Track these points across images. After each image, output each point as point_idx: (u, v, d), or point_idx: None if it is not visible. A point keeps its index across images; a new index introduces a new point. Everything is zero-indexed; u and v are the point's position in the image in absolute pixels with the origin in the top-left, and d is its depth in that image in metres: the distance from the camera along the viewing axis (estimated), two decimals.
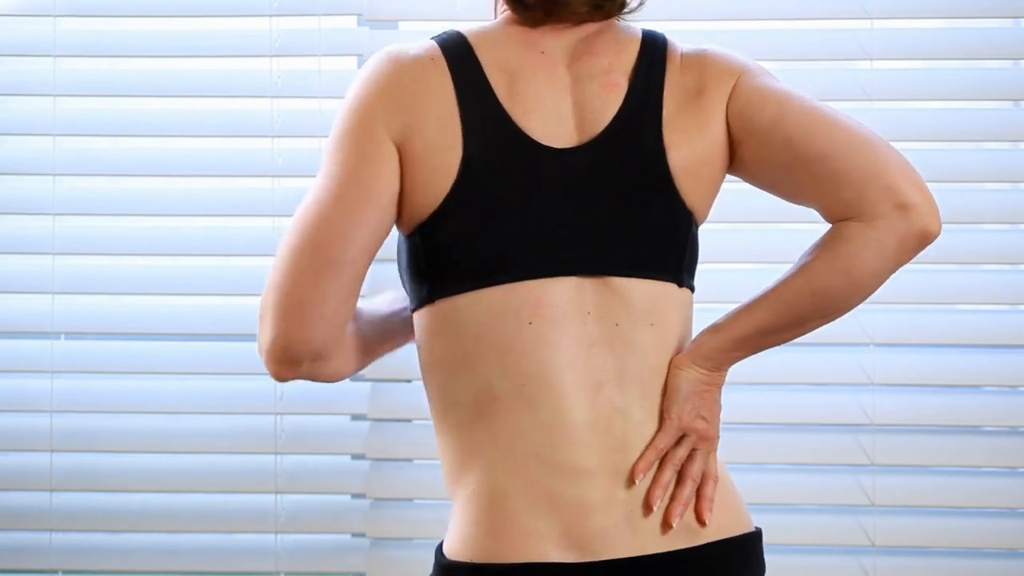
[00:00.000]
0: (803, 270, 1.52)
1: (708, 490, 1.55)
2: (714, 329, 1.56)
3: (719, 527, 1.55)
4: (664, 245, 1.54)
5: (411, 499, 2.40)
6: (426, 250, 1.53)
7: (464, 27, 1.59)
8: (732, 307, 2.40)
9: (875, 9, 2.34)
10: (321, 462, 2.42)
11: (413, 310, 1.57)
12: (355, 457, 2.42)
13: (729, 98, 1.57)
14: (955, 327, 2.36)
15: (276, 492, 2.40)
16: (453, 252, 1.52)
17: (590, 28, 1.59)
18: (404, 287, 1.61)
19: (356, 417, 2.42)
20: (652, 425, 1.53)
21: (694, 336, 1.59)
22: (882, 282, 1.52)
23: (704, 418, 1.55)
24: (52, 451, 2.41)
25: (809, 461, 2.37)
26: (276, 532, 2.40)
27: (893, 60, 2.37)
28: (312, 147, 2.39)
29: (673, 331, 1.55)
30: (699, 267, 2.31)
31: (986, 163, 2.36)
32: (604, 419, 1.51)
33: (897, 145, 2.33)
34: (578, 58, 1.56)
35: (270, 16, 2.39)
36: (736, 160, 1.58)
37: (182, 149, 2.43)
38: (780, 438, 2.37)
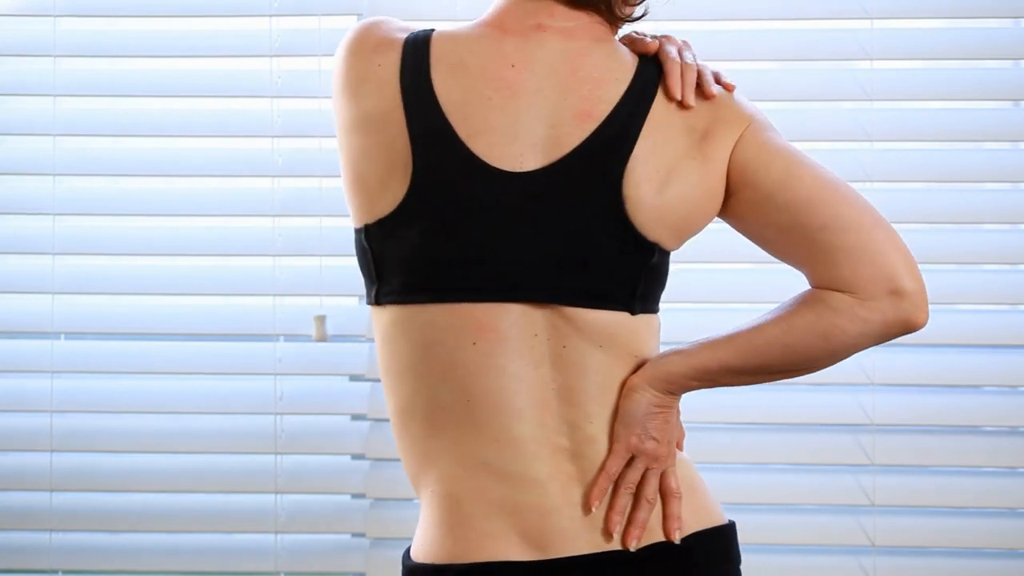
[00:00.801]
0: (782, 321, 1.51)
1: (674, 509, 1.53)
2: (679, 353, 1.53)
3: (686, 523, 1.54)
4: (613, 277, 1.50)
5: (411, 499, 2.40)
6: (372, 253, 1.51)
7: (440, 29, 1.55)
8: (723, 306, 2.45)
9: (875, 9, 2.34)
10: (321, 462, 2.42)
11: (367, 303, 1.57)
12: (355, 457, 2.42)
13: (735, 145, 1.53)
14: (955, 327, 2.36)
15: (276, 492, 2.40)
16: (396, 265, 1.50)
17: (579, 43, 1.53)
18: None
19: (356, 417, 2.42)
20: (604, 440, 1.52)
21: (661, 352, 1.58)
22: (853, 354, 1.53)
23: (655, 439, 1.52)
24: (52, 451, 2.41)
25: (809, 461, 2.37)
26: (276, 532, 2.40)
27: (893, 60, 2.37)
28: (312, 147, 2.39)
29: (626, 352, 1.52)
30: (699, 266, 2.34)
31: (986, 163, 2.36)
32: (553, 434, 1.50)
33: (897, 145, 2.37)
34: (556, 79, 1.51)
35: (270, 16, 2.39)
36: (729, 207, 1.55)
37: (182, 149, 2.43)
38: (780, 438, 2.37)
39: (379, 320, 1.54)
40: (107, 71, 2.44)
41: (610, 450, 1.51)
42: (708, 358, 1.52)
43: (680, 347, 1.54)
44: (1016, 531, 2.34)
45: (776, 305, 1.54)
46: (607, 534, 1.50)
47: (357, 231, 1.54)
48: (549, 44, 1.52)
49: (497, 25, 1.54)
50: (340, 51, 1.57)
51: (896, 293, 1.48)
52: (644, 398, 1.51)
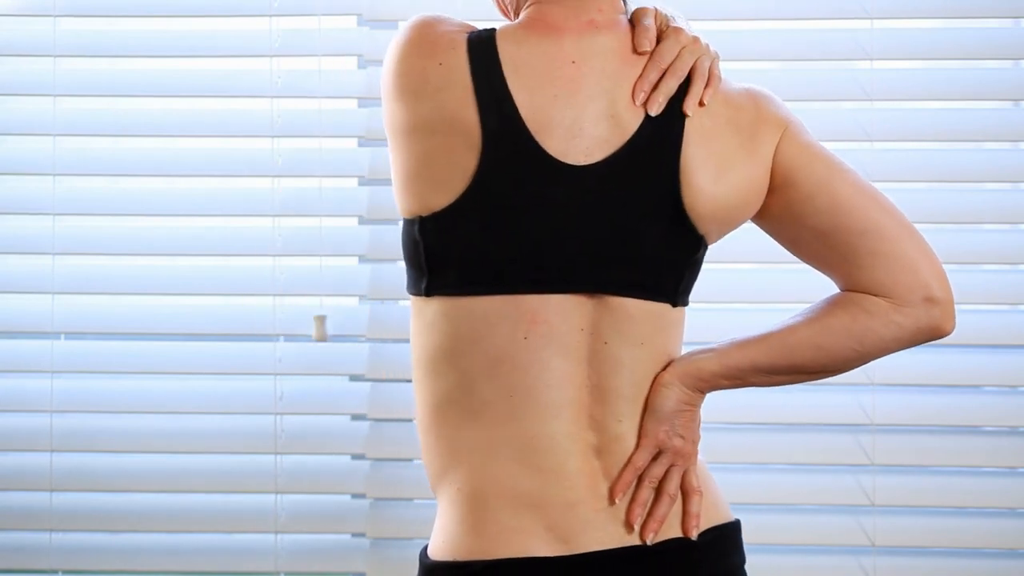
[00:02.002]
0: (815, 323, 1.55)
1: (693, 506, 1.56)
2: (711, 351, 1.57)
3: (702, 518, 1.57)
4: (665, 269, 1.54)
5: (411, 499, 2.40)
6: (426, 245, 1.52)
7: (500, 29, 1.55)
8: (722, 307, 2.44)
9: (875, 9, 2.34)
10: (321, 462, 2.42)
11: (411, 293, 1.57)
12: (355, 457, 2.42)
13: (778, 145, 1.57)
14: (955, 327, 2.35)
15: (276, 492, 2.40)
16: (454, 256, 1.51)
17: (621, 33, 1.56)
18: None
19: (356, 417, 2.42)
20: (632, 438, 1.54)
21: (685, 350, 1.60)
22: (880, 358, 1.58)
23: (682, 436, 1.55)
24: (52, 451, 2.41)
25: (809, 461, 2.37)
26: (276, 532, 2.40)
27: (893, 60, 2.37)
28: (312, 147, 2.39)
29: (662, 349, 1.56)
30: (705, 267, 2.34)
31: (986, 163, 2.36)
32: (584, 430, 1.53)
33: (897, 145, 2.37)
34: (611, 69, 1.54)
35: (270, 16, 2.39)
36: (766, 208, 1.59)
37: (182, 149, 2.43)
38: (780, 438, 2.37)
39: (423, 310, 1.55)
40: (107, 71, 2.44)
41: (638, 445, 1.54)
42: (740, 357, 1.56)
43: (712, 346, 1.58)
44: (1016, 531, 2.34)
45: (806, 306, 1.58)
46: (628, 526, 1.53)
47: (408, 222, 1.55)
48: (600, 39, 1.55)
49: (551, 24, 1.55)
50: (395, 52, 1.55)
51: (930, 300, 1.56)
52: (674, 394, 1.55)
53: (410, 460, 2.40)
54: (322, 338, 2.37)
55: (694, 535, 1.54)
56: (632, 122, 1.52)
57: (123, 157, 2.43)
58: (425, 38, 1.54)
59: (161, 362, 2.41)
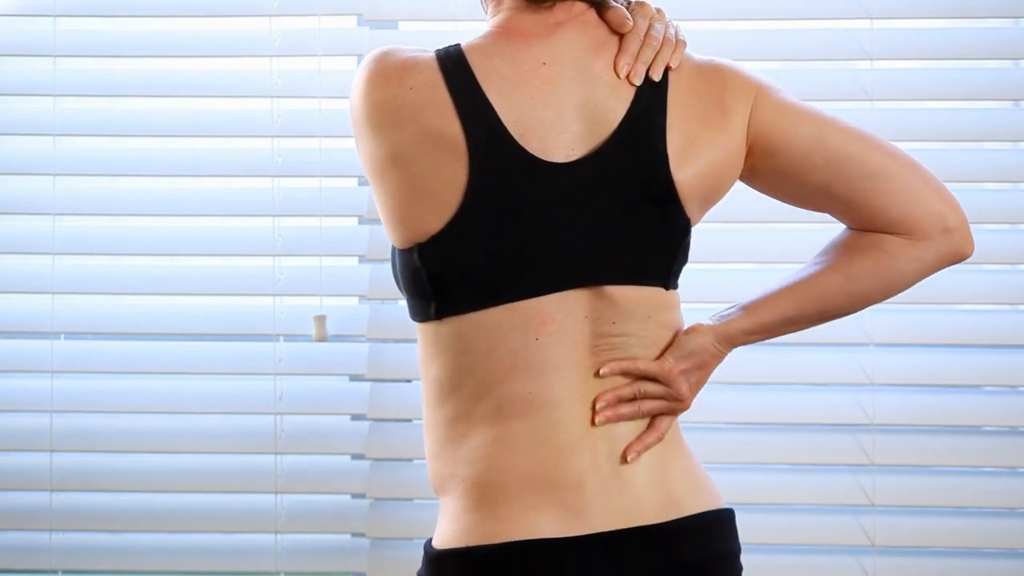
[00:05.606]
0: (839, 271, 1.58)
1: (648, 439, 1.56)
2: (743, 310, 1.60)
3: (702, 502, 1.57)
4: (657, 253, 1.55)
5: (411, 499, 2.40)
6: (427, 270, 1.53)
7: (466, 44, 1.56)
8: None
9: (875, 9, 2.34)
10: (321, 462, 2.42)
11: (418, 321, 1.57)
12: (355, 457, 2.42)
13: (751, 113, 1.57)
14: (955, 327, 2.36)
15: (276, 492, 2.40)
16: (458, 273, 1.52)
17: (591, 28, 1.57)
18: (402, 294, 1.61)
19: (356, 417, 2.42)
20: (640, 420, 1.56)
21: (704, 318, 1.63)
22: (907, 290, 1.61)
23: (690, 384, 1.58)
24: (52, 451, 2.41)
25: (809, 461, 2.37)
26: (276, 532, 2.40)
27: (893, 60, 2.37)
28: (312, 147, 2.39)
29: (664, 328, 1.57)
30: (697, 267, 2.34)
31: (986, 163, 2.36)
32: (592, 409, 1.54)
33: (897, 145, 2.36)
34: (584, 63, 1.55)
35: (270, 16, 2.39)
36: (763, 174, 1.60)
37: (182, 149, 2.43)
38: (780, 438, 2.37)
39: (436, 334, 1.55)
40: (107, 71, 2.44)
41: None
42: (770, 313, 1.60)
43: (739, 304, 1.61)
44: (1016, 531, 2.34)
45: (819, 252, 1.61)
46: (634, 505, 1.53)
47: (404, 252, 1.55)
48: (568, 37, 1.56)
49: (518, 31, 1.56)
50: (363, 87, 1.55)
51: (947, 230, 1.58)
52: (703, 339, 1.58)
53: (410, 460, 2.40)
54: (322, 338, 2.37)
55: (629, 459, 1.54)
56: (615, 112, 1.53)
57: (123, 157, 2.43)
58: (389, 67, 1.54)
59: (161, 362, 2.42)
